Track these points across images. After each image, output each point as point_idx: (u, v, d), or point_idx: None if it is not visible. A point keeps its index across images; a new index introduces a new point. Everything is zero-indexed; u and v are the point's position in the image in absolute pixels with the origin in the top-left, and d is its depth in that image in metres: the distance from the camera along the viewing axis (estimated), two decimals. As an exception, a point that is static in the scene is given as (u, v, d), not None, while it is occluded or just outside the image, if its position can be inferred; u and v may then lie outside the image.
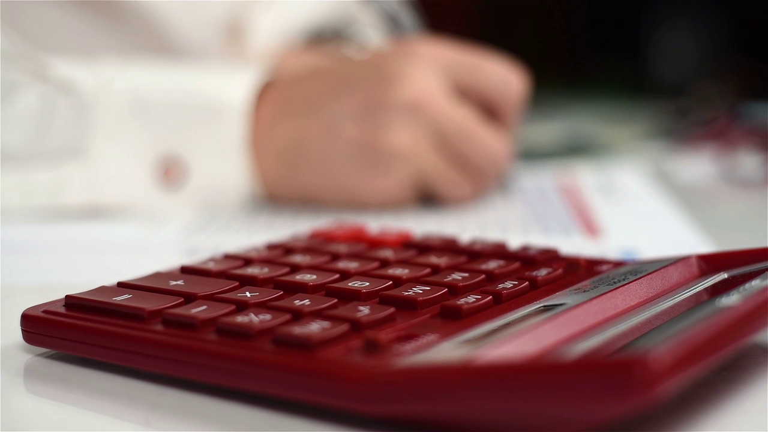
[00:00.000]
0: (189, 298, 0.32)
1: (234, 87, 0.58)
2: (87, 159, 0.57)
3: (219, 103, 0.58)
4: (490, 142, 0.58)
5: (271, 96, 0.59)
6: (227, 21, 0.76)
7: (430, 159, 0.57)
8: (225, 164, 0.58)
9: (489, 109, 0.60)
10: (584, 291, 0.32)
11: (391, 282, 0.34)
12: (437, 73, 0.57)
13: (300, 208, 0.58)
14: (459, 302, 0.31)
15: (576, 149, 0.81)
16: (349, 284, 0.33)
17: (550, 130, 0.91)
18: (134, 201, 0.58)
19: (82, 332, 0.31)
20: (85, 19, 0.68)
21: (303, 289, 0.33)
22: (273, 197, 0.59)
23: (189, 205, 0.58)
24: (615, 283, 0.33)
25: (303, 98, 0.59)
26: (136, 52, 0.69)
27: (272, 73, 0.60)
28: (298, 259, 0.38)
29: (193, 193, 0.58)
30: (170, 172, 0.58)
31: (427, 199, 0.59)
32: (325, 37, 0.81)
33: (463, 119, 0.57)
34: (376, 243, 0.41)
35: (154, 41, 0.71)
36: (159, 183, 0.58)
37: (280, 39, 0.79)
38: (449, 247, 0.40)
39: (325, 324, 0.29)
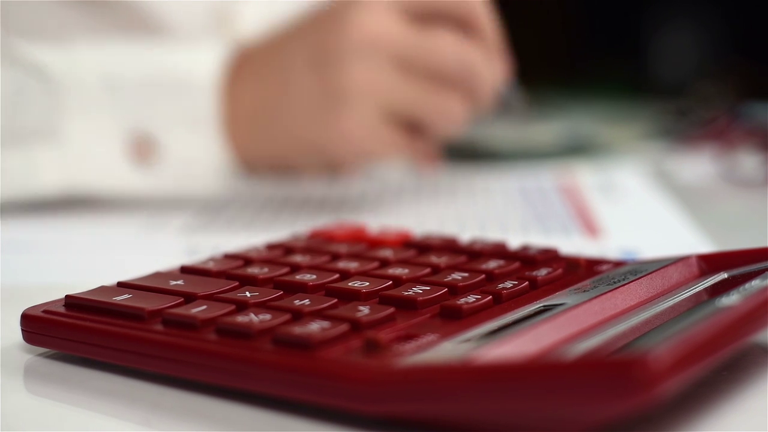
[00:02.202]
0: (189, 298, 0.32)
1: (202, 59, 0.57)
2: (59, 139, 0.56)
3: (187, 76, 0.57)
4: (471, 54, 0.55)
5: (236, 64, 0.58)
6: (215, 8, 0.76)
7: (399, 89, 0.55)
8: (197, 138, 0.57)
9: (462, 29, 0.57)
10: (584, 291, 0.32)
11: (391, 282, 0.34)
12: (388, 4, 0.55)
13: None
14: (459, 302, 0.31)
15: (576, 149, 0.81)
16: (349, 284, 0.33)
17: (550, 130, 0.91)
18: (109, 181, 0.57)
19: (82, 332, 0.31)
20: (71, 7, 0.68)
21: (303, 289, 0.33)
22: (249, 167, 0.58)
23: (165, 183, 0.58)
24: (615, 283, 0.33)
25: (259, 60, 0.58)
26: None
27: (242, 43, 0.60)
28: (298, 258, 0.38)
29: (167, 170, 0.57)
30: (142, 149, 0.57)
31: (417, 130, 0.56)
32: None
33: (428, 38, 0.55)
34: (376, 243, 0.41)
35: (141, 29, 0.70)
36: (132, 161, 0.57)
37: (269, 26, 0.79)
38: (449, 246, 0.40)
39: (325, 324, 0.29)
